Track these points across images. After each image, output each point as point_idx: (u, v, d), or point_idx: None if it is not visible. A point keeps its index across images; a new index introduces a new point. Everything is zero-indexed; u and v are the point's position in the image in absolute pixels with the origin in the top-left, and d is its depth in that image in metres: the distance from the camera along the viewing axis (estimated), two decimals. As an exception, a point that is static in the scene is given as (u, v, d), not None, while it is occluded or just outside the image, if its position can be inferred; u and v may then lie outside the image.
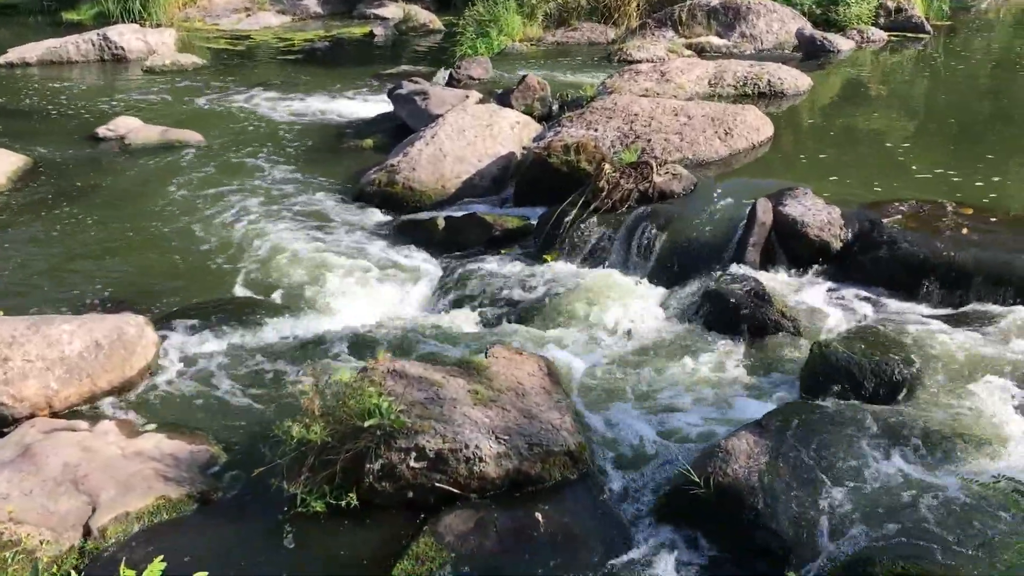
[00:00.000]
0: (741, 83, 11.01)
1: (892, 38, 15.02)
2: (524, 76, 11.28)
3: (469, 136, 9.39)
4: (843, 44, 14.00)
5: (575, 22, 16.63)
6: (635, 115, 9.12)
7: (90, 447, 4.73)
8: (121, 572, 2.61)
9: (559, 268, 7.19)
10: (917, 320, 5.81)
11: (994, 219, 6.76)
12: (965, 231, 6.48)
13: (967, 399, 4.84)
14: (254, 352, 6.06)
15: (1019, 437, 4.42)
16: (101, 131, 11.60)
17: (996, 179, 7.87)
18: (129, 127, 11.63)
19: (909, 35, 15.27)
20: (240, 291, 7.13)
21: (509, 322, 6.51)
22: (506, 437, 4.47)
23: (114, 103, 13.65)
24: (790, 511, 3.98)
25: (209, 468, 4.76)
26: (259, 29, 21.33)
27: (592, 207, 7.59)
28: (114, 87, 15.03)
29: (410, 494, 4.35)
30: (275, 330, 6.35)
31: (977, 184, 7.70)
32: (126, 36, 17.31)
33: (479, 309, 6.75)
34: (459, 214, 8.41)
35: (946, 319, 5.81)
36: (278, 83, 14.99)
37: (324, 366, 5.58)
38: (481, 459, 4.35)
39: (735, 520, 4.03)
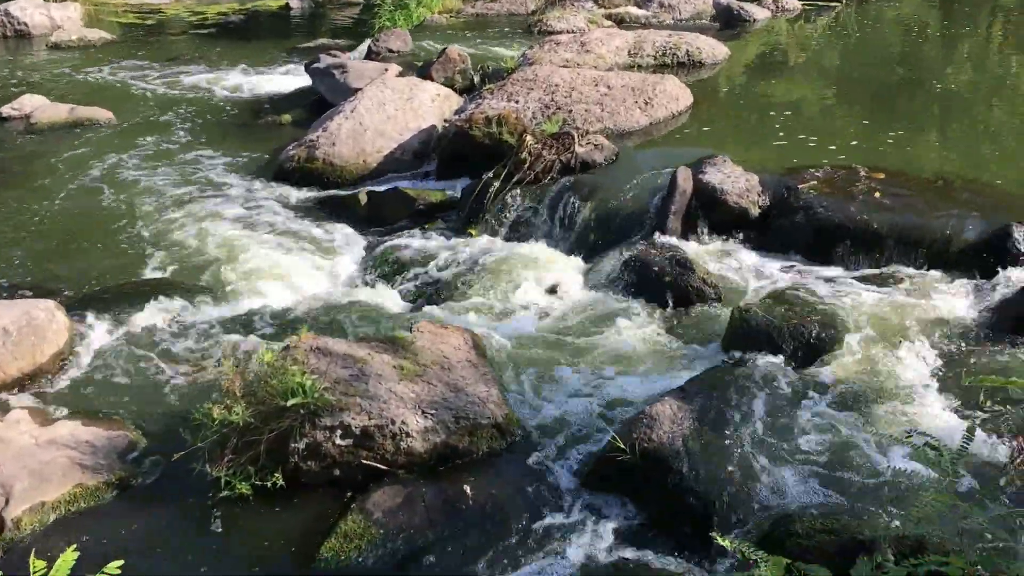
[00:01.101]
0: (660, 53, 11.08)
1: (806, 7, 15.29)
2: (444, 48, 11.17)
3: (389, 110, 9.26)
4: (759, 13, 14.20)
5: (495, -7, 16.53)
6: (556, 86, 9.11)
7: (1, 437, 4.56)
8: (31, 563, 2.51)
9: (483, 241, 7.16)
10: (833, 283, 5.96)
11: (905, 183, 6.94)
12: (878, 195, 6.65)
13: (882, 359, 4.99)
14: (172, 334, 5.91)
15: (931, 394, 4.57)
16: (5, 110, 11.13)
17: (908, 144, 8.09)
18: (35, 105, 11.18)
19: (822, 4, 15.56)
20: (156, 273, 6.93)
21: (434, 296, 6.47)
22: (433, 411, 4.45)
23: (18, 81, 13.11)
24: (714, 474, 4.05)
25: (128, 454, 4.63)
26: (170, 2, 20.66)
27: (515, 179, 7.57)
28: (18, 64, 14.42)
29: (337, 472, 4.30)
30: (193, 312, 6.20)
31: (889, 149, 7.90)
32: (28, 11, 16.61)
33: (404, 284, 6.70)
34: (381, 189, 8.32)
35: (861, 281, 5.97)
36: (191, 58, 14.57)
37: (245, 346, 5.47)
38: (408, 434, 4.33)
39: (661, 485, 4.08)
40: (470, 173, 8.05)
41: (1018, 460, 2.49)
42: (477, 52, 12.37)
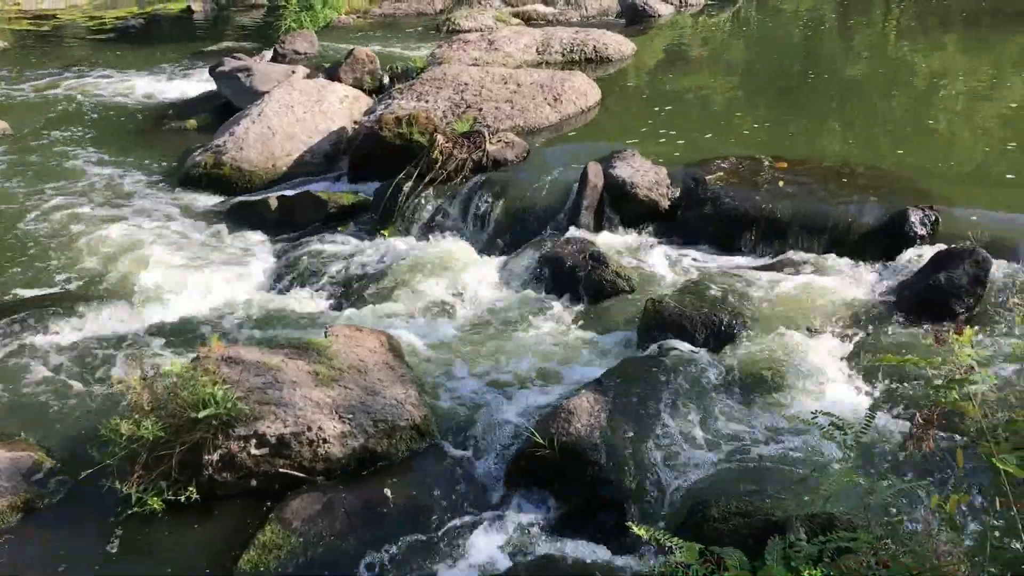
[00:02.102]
0: (568, 50, 11.17)
1: (708, 2, 15.61)
2: (352, 49, 11.06)
3: (298, 112, 9.13)
4: (663, 9, 14.43)
5: (402, -7, 16.43)
6: (465, 84, 9.11)
7: None
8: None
9: (397, 242, 7.12)
10: (742, 271, 6.08)
11: (807, 171, 7.13)
12: (781, 184, 6.82)
13: (790, 343, 5.12)
14: (77, 349, 5.71)
15: (837, 375, 4.71)
16: None
17: (810, 133, 8.33)
18: (-78, 118, 10.71)
19: (724, -1, 15.91)
20: (58, 287, 6.69)
21: (349, 300, 6.41)
22: (350, 416, 4.41)
23: (-97, 92, 12.54)
24: (631, 464, 4.10)
25: (33, 475, 4.45)
26: (65, 8, 20.02)
27: (427, 179, 7.55)
28: (-98, 75, 13.78)
29: (253, 482, 4.23)
30: (99, 325, 6.01)
31: (793, 138, 8.12)
32: (-88, 19, 15.89)
33: (318, 288, 6.62)
34: (292, 193, 8.19)
35: (768, 269, 6.11)
36: (91, 64, 14.13)
37: (153, 359, 5.33)
38: (325, 440, 4.28)
39: (580, 477, 4.12)
40: (382, 174, 7.99)
41: (917, 435, 2.58)
42: (386, 52, 12.28)
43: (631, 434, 4.28)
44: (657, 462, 4.12)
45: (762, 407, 4.46)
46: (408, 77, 10.26)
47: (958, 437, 3.08)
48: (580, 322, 5.85)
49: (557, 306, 6.00)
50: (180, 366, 4.38)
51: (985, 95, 9.45)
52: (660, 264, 6.44)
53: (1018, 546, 2.50)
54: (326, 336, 5.13)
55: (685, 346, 5.19)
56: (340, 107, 9.40)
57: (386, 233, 7.28)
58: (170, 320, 6.05)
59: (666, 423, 4.39)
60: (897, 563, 2.49)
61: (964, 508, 2.64)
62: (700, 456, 4.16)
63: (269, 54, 12.92)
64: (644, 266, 6.43)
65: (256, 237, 7.59)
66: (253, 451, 4.18)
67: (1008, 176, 6.97)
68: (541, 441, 4.18)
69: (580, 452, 4.17)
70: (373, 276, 6.60)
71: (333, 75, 10.65)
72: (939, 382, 2.52)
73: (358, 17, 15.88)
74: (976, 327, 4.92)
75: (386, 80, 10.80)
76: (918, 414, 2.64)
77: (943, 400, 2.53)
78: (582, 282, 6.07)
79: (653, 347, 5.26)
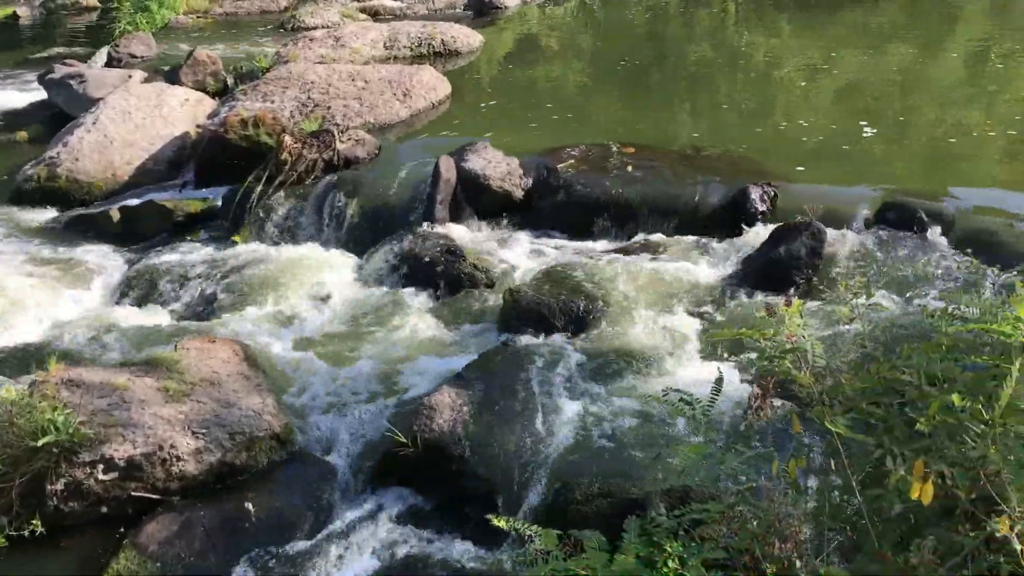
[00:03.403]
0: (416, 44, 11.11)
1: (555, -8, 15.82)
2: (192, 51, 10.66)
3: (136, 118, 8.75)
4: (510, 1, 14.53)
5: (244, -9, 15.95)
6: (312, 83, 8.93)
7: None
8: None
9: (251, 248, 6.92)
10: (597, 256, 6.20)
11: (654, 155, 7.33)
12: (630, 168, 6.98)
13: (644, 323, 5.27)
14: (-98, 384, 5.31)
15: (688, 351, 4.87)
16: None
17: (657, 117, 8.56)
18: None
19: (570, -12, 16.14)
20: None
21: (202, 310, 6.19)
22: (204, 431, 4.26)
23: None
24: (495, 455, 4.12)
25: None
26: None
27: (278, 181, 7.37)
28: None
29: (104, 509, 4.03)
30: (-75, 355, 5.60)
31: (642, 123, 8.31)
32: None
33: (167, 301, 6.36)
34: (136, 203, 7.82)
35: (622, 251, 6.25)
36: (-97, 76, 13.12)
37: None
38: (179, 458, 4.12)
39: (445, 473, 4.12)
40: (230, 179, 7.72)
41: (755, 405, 2.69)
42: (229, 53, 11.91)
43: (494, 426, 4.30)
44: (521, 451, 4.16)
45: (620, 388, 4.56)
46: (253, 77, 9.97)
47: (794, 404, 3.22)
48: (441, 317, 5.83)
49: (417, 302, 5.96)
50: (15, 392, 4.13)
51: (818, 73, 9.95)
52: (517, 254, 6.49)
53: (856, 502, 2.63)
54: (176, 350, 4.94)
55: (544, 334, 5.26)
56: (182, 111, 9.06)
57: (238, 239, 7.07)
58: (5, 345, 5.69)
59: (528, 412, 4.43)
60: (744, 529, 2.58)
61: (804, 471, 2.76)
62: (562, 441, 4.22)
63: (103, 59, 12.31)
64: (502, 257, 6.46)
65: (98, 251, 7.21)
66: (101, 476, 3.99)
67: (843, 147, 7.35)
68: (404, 440, 4.16)
69: (443, 448, 4.17)
70: (226, 284, 6.39)
71: (173, 78, 10.24)
72: (771, 353, 2.62)
73: (198, 17, 15.32)
74: (809, 297, 5.20)
75: (230, 82, 10.46)
76: (754, 385, 2.75)
77: (776, 370, 2.64)
78: (440, 276, 6.06)
79: (513, 337, 5.31)
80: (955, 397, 2.12)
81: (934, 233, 5.81)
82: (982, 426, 2.08)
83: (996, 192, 6.35)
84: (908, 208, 6.00)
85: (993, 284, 4.57)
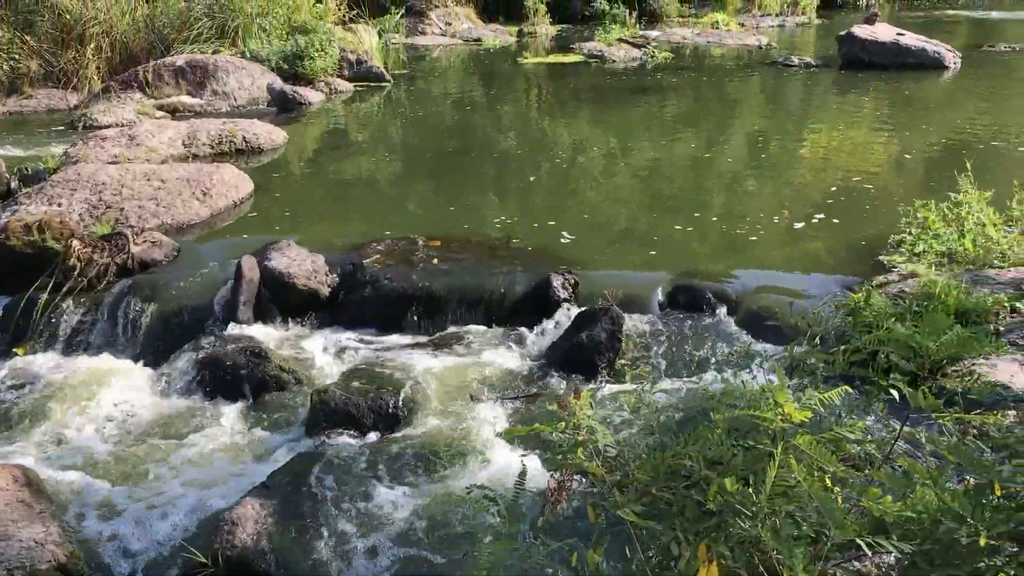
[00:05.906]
0: (216, 141, 10.89)
1: (358, 87, 16.01)
2: (-31, 152, 10.02)
3: (-97, 227, 8.06)
4: (313, 96, 14.58)
5: (29, 89, 15.19)
6: (103, 184, 8.56)
7: None
8: None
9: (35, 361, 6.46)
10: (406, 350, 6.19)
11: (461, 247, 7.45)
12: (436, 261, 7.06)
13: (455, 417, 5.27)
14: None
15: (498, 444, 4.89)
16: None
17: (465, 205, 8.72)
18: None
19: (372, 84, 16.39)
20: None
21: (-22, 434, 5.68)
22: (-24, 571, 3.87)
23: None
24: (302, 566, 3.96)
25: None
26: None
27: (66, 288, 6.95)
28: None
29: None
30: None
31: (451, 214, 8.45)
32: None
33: (-63, 426, 5.80)
34: (-100, 320, 7.17)
35: (432, 346, 6.27)
36: None
37: None
38: (-55, 605, 3.72)
39: (251, 591, 3.91)
40: (13, 287, 7.21)
41: (552, 499, 2.73)
42: (13, 152, 11.29)
43: (302, 535, 4.15)
44: (328, 559, 4.02)
45: (427, 486, 4.51)
46: (39, 179, 9.45)
47: (593, 493, 3.29)
48: (246, 423, 5.62)
49: (219, 410, 5.72)
50: None
51: (616, 162, 10.49)
52: (325, 353, 6.37)
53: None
54: (-57, 482, 4.50)
55: (354, 435, 5.17)
56: (-43, 217, 8.43)
57: (20, 352, 6.59)
58: None
59: (338, 517, 4.31)
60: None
61: (605, 559, 2.81)
62: (370, 544, 4.11)
63: None
64: (309, 357, 6.33)
65: None
66: None
67: (641, 232, 7.75)
68: (203, 560, 3.93)
69: (248, 563, 3.98)
70: (6, 403, 5.91)
71: (-52, 182, 9.57)
72: (563, 447, 2.68)
73: (-23, 116, 14.46)
74: (613, 380, 5.37)
75: (14, 184, 9.86)
76: (550, 478, 2.80)
77: (571, 462, 2.70)
78: (245, 381, 5.86)
79: (322, 440, 5.18)
80: (727, 481, 2.23)
81: (721, 313, 6.18)
82: (753, 507, 2.19)
83: (774, 273, 6.84)
84: (696, 290, 6.36)
85: (761, 365, 4.86)
